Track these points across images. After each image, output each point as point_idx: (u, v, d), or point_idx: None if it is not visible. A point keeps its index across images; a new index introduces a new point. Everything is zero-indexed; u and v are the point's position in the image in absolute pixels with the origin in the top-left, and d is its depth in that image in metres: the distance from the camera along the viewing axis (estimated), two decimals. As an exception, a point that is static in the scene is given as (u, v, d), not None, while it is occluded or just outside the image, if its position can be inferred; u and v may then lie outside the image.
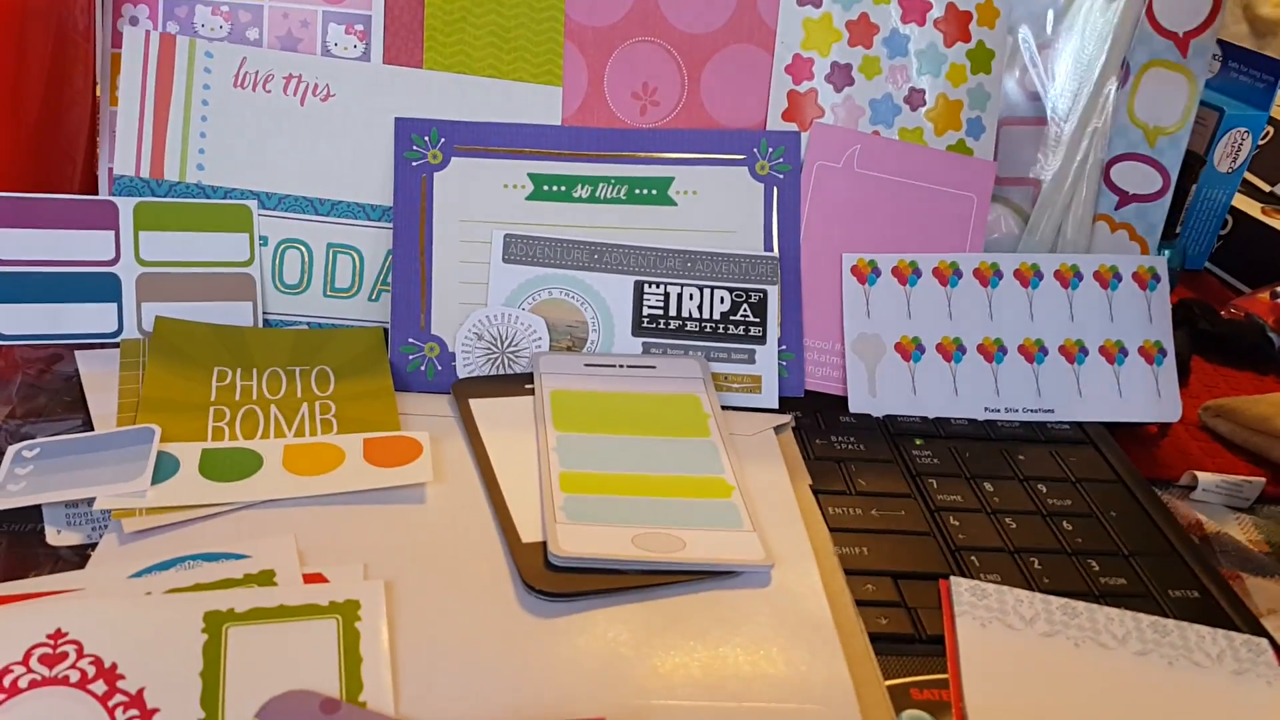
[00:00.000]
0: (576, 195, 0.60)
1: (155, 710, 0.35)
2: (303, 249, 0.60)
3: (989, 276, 0.63)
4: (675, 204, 0.61)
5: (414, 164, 0.59)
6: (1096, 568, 0.49)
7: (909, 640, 0.44)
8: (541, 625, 0.42)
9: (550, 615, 0.42)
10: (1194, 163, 0.70)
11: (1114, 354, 0.62)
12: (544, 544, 0.45)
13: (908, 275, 0.62)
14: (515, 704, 0.37)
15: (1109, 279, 0.64)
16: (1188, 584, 0.49)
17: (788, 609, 0.44)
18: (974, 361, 0.61)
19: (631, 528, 0.46)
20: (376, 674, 0.38)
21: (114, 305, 0.56)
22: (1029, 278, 0.63)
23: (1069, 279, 0.63)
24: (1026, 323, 0.62)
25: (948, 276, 0.62)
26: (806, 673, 0.41)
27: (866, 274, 0.62)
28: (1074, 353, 0.62)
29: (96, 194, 0.59)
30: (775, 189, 0.61)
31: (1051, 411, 0.61)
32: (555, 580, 0.43)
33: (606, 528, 0.46)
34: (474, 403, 0.55)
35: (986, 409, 0.61)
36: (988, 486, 0.55)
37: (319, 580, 0.42)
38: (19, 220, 0.55)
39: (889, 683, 0.41)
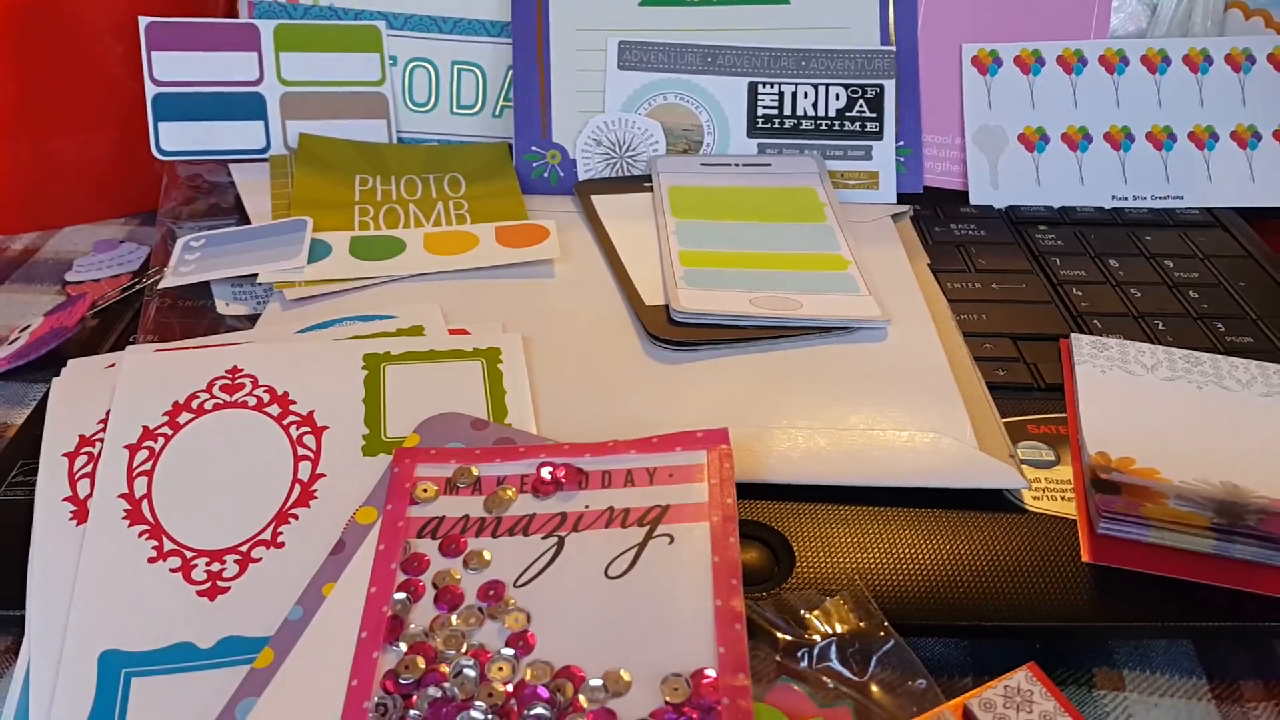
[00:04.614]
0: (689, -1, 0.61)
1: (325, 428, 0.39)
2: (429, 67, 0.62)
3: (1115, 63, 0.61)
4: (788, 2, 0.61)
5: (530, -24, 0.61)
6: (1222, 328, 0.49)
7: (1027, 389, 0.45)
8: (665, 370, 0.44)
9: (673, 362, 0.45)
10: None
11: (1246, 139, 0.60)
12: (666, 306, 0.47)
13: (1030, 64, 0.61)
14: (643, 427, 0.39)
15: (1241, 62, 0.61)
16: (1323, 343, 0.48)
17: (904, 360, 0.45)
18: (1100, 150, 0.60)
19: (749, 291, 0.48)
20: (519, 403, 0.41)
21: (261, 123, 0.60)
22: (1156, 64, 0.61)
23: (1198, 64, 0.61)
24: (1154, 109, 0.61)
25: (1072, 64, 0.61)
26: (923, 409, 0.42)
27: (987, 64, 0.61)
28: (1204, 139, 0.60)
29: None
30: (890, -19, 0.60)
31: (1181, 198, 0.60)
32: (677, 331, 0.46)
33: (725, 291, 0.48)
34: (595, 198, 0.57)
35: (1114, 197, 0.60)
36: (1113, 263, 0.54)
37: (462, 333, 0.45)
38: (173, 44, 0.59)
39: (1006, 420, 0.42)
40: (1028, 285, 0.52)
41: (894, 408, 0.42)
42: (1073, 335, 0.47)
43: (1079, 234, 0.57)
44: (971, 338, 0.47)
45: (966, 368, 0.45)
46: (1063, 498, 0.39)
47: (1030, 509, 0.39)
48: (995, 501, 0.39)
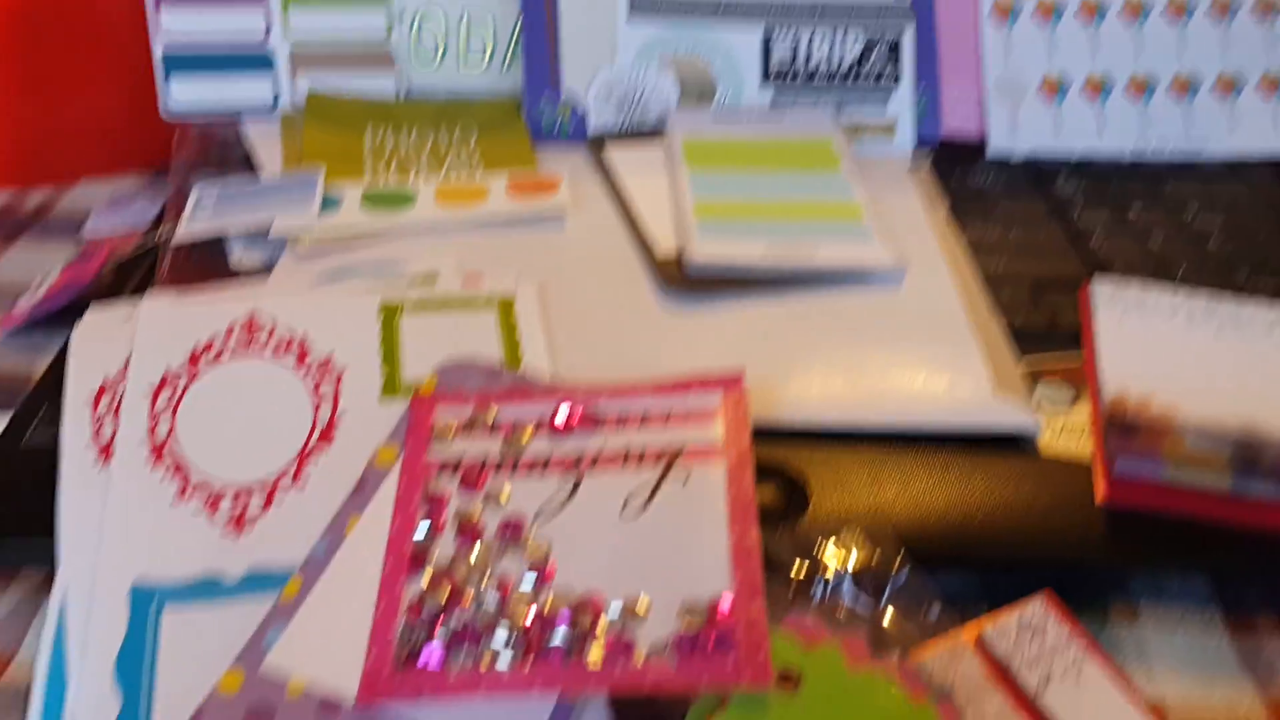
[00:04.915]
0: (703, -52, 0.60)
1: (343, 371, 0.40)
2: (438, 20, 0.62)
3: (1138, 11, 0.60)
4: (803, -50, 0.60)
5: (542, -75, 0.60)
6: (1243, 276, 0.49)
7: (1045, 335, 0.45)
8: (679, 319, 0.44)
9: (687, 311, 0.45)
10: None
11: (1273, 88, 0.59)
12: (680, 256, 0.47)
13: (1051, 12, 0.60)
14: (658, 376, 0.39)
15: (1271, 7, 0.60)
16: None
17: (920, 307, 0.45)
18: (1121, 100, 0.60)
19: (763, 240, 0.48)
20: (533, 351, 0.41)
21: (270, 78, 0.60)
22: (1182, 10, 0.60)
23: (1226, 9, 0.60)
24: (1177, 58, 0.60)
25: (1094, 12, 0.60)
26: (939, 354, 0.42)
27: (1007, 13, 0.60)
28: (1228, 87, 0.60)
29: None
30: (907, -73, 0.60)
31: (1202, 148, 0.59)
32: (691, 281, 0.46)
33: (739, 241, 0.48)
34: (607, 150, 0.57)
35: (1134, 147, 0.59)
36: (1132, 212, 0.54)
37: (476, 284, 0.45)
38: (182, -2, 0.59)
39: (1023, 365, 0.42)
40: (1046, 234, 0.52)
41: (910, 353, 0.42)
42: (1092, 281, 0.47)
43: (1098, 183, 0.56)
44: (989, 285, 0.47)
45: (983, 314, 0.45)
46: (1080, 439, 0.39)
47: (1046, 452, 0.39)
48: (1011, 444, 0.39)
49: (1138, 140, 0.59)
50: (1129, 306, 0.45)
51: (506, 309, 0.43)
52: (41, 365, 0.47)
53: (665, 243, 0.48)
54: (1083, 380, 0.42)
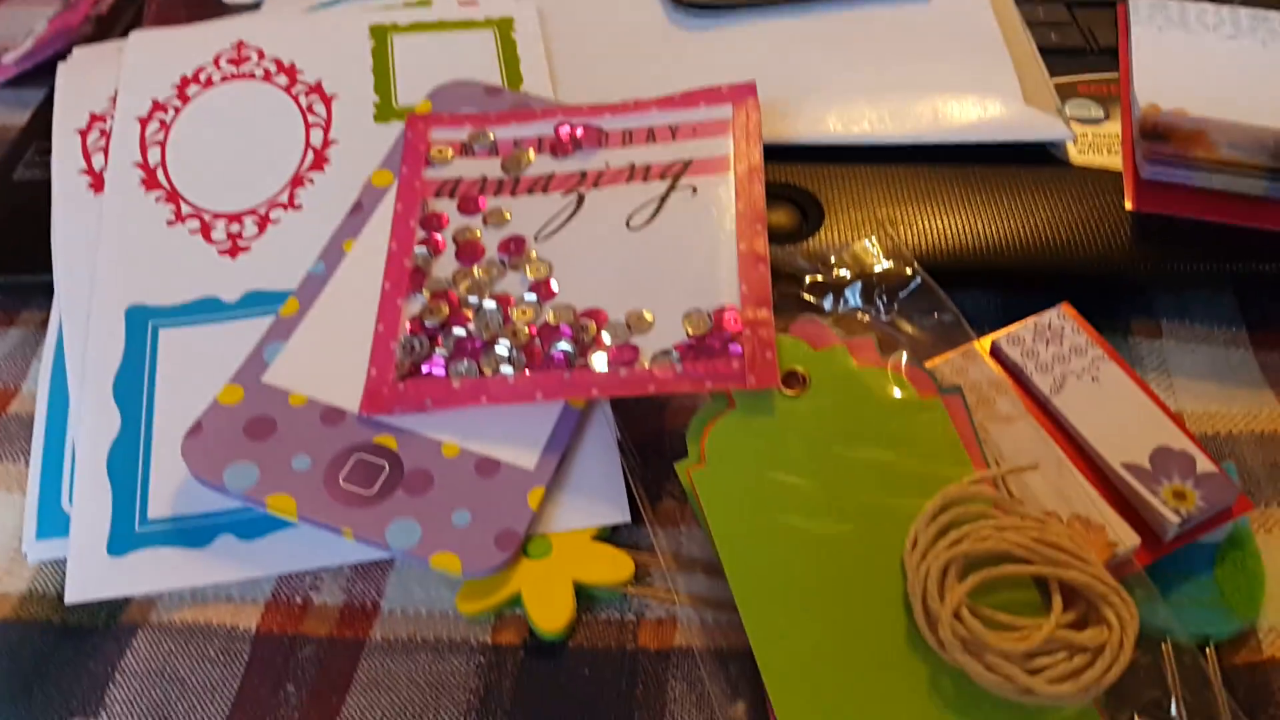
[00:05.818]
0: None
1: (334, 96, 0.38)
2: None
3: None
4: None
5: None
6: (1303, -14, 0.45)
7: (1080, 52, 0.42)
8: (691, 37, 0.42)
9: (700, 29, 0.42)
10: None
11: None
12: (693, -27, 0.44)
13: None
14: (667, 91, 0.37)
15: None
16: None
17: (949, 22, 0.42)
18: None
19: (783, -45, 0.44)
20: (535, 74, 0.39)
21: None
22: None
23: None
24: None
25: None
26: (968, 68, 0.39)
27: None
28: None
29: None
30: None
31: None
32: (705, -4, 0.43)
33: (757, -44, 0.44)
34: None
35: None
36: (1183, -77, 0.49)
37: (472, 4, 0.42)
38: None
39: (1056, 80, 0.40)
40: (1087, -51, 0.48)
41: (937, 69, 0.39)
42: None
43: (1149, -104, 0.51)
44: (1023, 3, 0.44)
45: (1016, 29, 0.42)
46: (1109, 151, 0.37)
47: (1075, 163, 0.37)
48: (1039, 156, 0.37)
49: None
50: (1169, 21, 0.42)
51: (505, 30, 0.41)
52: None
53: (675, -39, 0.45)
54: (1117, 95, 0.40)
